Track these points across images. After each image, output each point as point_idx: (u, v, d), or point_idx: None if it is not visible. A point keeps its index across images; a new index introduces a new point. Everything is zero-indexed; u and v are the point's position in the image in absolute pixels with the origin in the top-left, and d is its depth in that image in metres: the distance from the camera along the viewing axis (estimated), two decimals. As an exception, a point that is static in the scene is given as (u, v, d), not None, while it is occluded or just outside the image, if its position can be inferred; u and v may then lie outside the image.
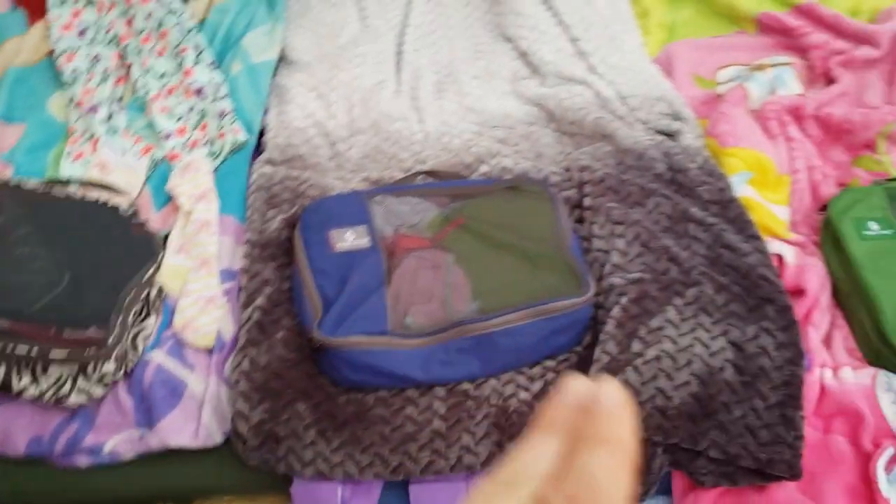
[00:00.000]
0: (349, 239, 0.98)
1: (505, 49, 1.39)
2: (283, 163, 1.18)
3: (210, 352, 0.98)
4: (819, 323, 0.98)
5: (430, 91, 1.32)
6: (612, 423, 0.31)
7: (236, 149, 1.21)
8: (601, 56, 1.31)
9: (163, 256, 1.05)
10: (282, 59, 1.38)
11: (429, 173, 1.14)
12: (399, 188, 1.08)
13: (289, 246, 1.04)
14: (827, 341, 0.99)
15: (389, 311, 0.92)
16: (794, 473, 0.85)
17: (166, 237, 1.09)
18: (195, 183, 1.14)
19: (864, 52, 1.28)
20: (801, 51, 1.33)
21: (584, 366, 0.95)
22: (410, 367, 0.90)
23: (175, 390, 0.94)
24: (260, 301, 0.98)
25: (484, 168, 1.17)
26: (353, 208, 1.02)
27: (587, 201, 1.09)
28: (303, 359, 0.93)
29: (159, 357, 0.96)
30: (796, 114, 1.20)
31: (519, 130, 1.25)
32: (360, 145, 1.24)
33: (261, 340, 0.94)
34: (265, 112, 1.28)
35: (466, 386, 0.93)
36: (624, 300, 0.95)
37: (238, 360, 0.93)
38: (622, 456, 0.31)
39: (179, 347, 0.98)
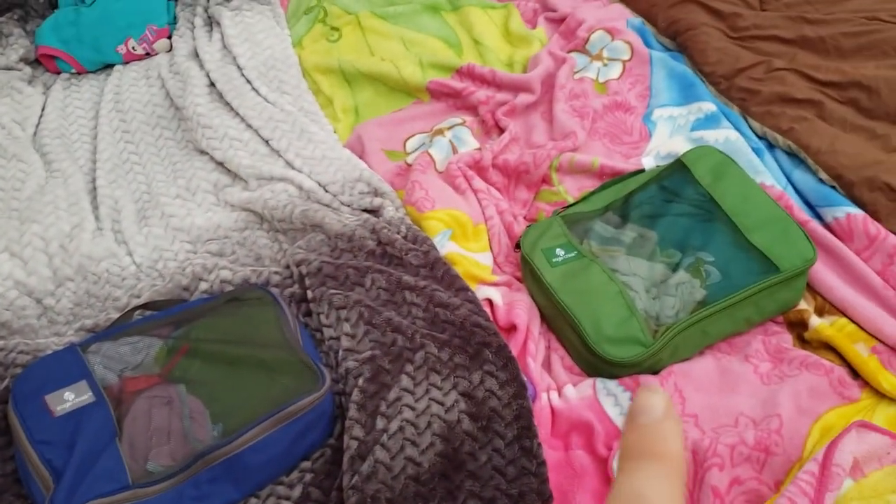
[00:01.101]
0: (69, 399, 0.95)
1: (201, 162, 1.40)
2: (-14, 335, 1.12)
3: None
4: (535, 352, 1.08)
5: (133, 221, 1.31)
6: (656, 436, 0.30)
7: (-70, 333, 1.12)
8: (295, 151, 1.37)
9: None
10: (-34, 224, 1.31)
11: (145, 306, 1.12)
12: (115, 330, 1.06)
13: (6, 425, 0.98)
14: (546, 365, 1.09)
15: (127, 462, 0.90)
16: (544, 499, 0.93)
17: None
18: None
19: (523, 98, 1.44)
20: (471, 108, 1.46)
21: (339, 457, 0.97)
22: (162, 513, 0.88)
23: None
24: (-16, 492, 0.91)
25: (203, 285, 1.18)
26: (67, 365, 0.99)
27: (310, 293, 1.13)
28: (45, 540, 0.88)
29: None
30: (478, 166, 1.31)
31: (233, 239, 1.27)
32: (69, 294, 1.20)
33: (-6, 534, 0.88)
34: (-43, 285, 1.21)
35: (227, 512, 0.92)
36: (361, 381, 0.99)
37: (-28, 564, 0.86)
38: (668, 470, 0.30)
39: None
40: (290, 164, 1.36)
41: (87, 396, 0.95)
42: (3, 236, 1.26)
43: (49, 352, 1.07)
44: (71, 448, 0.89)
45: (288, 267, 1.20)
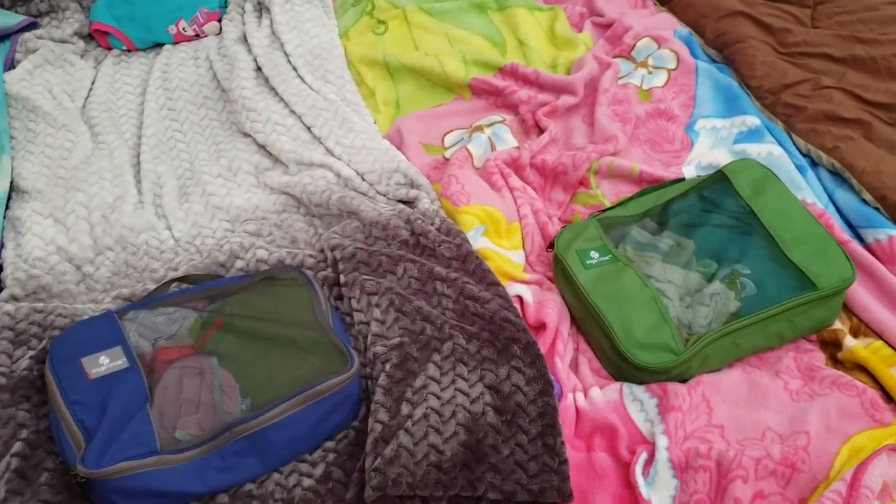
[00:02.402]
0: (104, 363, 0.96)
1: (244, 144, 1.42)
2: (26, 297, 1.14)
3: (-30, 513, 0.92)
4: (563, 351, 1.08)
5: (174, 196, 1.33)
6: None
7: (-28, 291, 1.15)
8: (336, 139, 1.38)
9: None
10: (13, 190, 1.33)
11: (182, 279, 1.14)
12: (152, 300, 1.08)
13: (42, 384, 1.00)
14: (574, 366, 1.09)
15: (157, 429, 0.91)
16: (564, 497, 0.93)
17: None
18: (-71, 336, 1.07)
19: (565, 100, 1.44)
20: (512, 107, 1.46)
21: (362, 439, 0.98)
22: (187, 481, 0.90)
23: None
24: (17, 447, 0.93)
25: (239, 263, 1.19)
26: (104, 331, 1.00)
27: (342, 277, 1.14)
28: (72, 498, 0.90)
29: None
30: (515, 165, 1.32)
31: (270, 220, 1.29)
32: (108, 263, 1.22)
33: (23, 489, 0.90)
34: (1, 247, 1.23)
35: (249, 486, 0.94)
36: (388, 367, 1.00)
37: (0, 516, 0.88)
38: None
39: (-65, 515, 0.91)
40: (330, 152, 1.37)
41: (121, 362, 0.97)
42: (48, 203, 1.29)
43: (86, 317, 1.09)
44: (103, 410, 0.91)
45: (322, 251, 1.21)
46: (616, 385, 1.06)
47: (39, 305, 1.11)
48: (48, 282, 1.16)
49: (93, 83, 1.56)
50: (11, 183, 1.34)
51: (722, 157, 1.32)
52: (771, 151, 1.32)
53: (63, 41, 1.61)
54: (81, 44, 1.64)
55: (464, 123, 1.44)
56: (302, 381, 0.96)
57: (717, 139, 1.39)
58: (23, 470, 0.92)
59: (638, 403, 1.03)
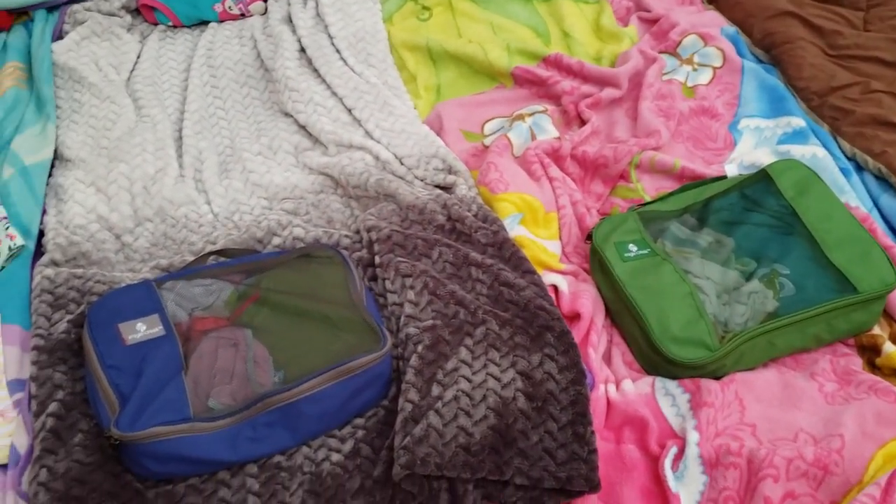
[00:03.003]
0: (141, 330, 0.97)
1: (285, 124, 1.43)
2: (66, 262, 1.15)
3: (5, 467, 0.94)
4: (597, 342, 1.07)
5: (214, 172, 1.34)
6: None
7: (14, 255, 1.16)
8: (375, 122, 1.38)
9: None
10: (57, 158, 1.35)
11: (219, 252, 1.15)
12: (190, 271, 1.09)
13: (79, 347, 1.01)
14: (607, 358, 1.09)
15: (190, 397, 0.92)
16: (592, 486, 0.93)
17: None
18: (-29, 295, 1.09)
19: (609, 92, 1.43)
20: (554, 98, 1.46)
21: (391, 418, 0.98)
22: (218, 449, 0.91)
23: (-32, 517, 0.89)
24: (53, 407, 0.94)
25: (276, 240, 1.20)
26: (142, 298, 1.02)
27: (377, 259, 1.14)
28: (105, 460, 0.91)
29: (-52, 485, 0.91)
30: (555, 155, 1.31)
31: (308, 200, 1.29)
32: (146, 234, 1.23)
33: (58, 448, 0.91)
34: (43, 213, 1.25)
35: (278, 458, 0.94)
36: (420, 348, 1.00)
37: (35, 472, 0.89)
38: None
39: (-29, 469, 0.93)
40: (369, 134, 1.38)
41: (157, 329, 0.98)
42: (91, 172, 1.31)
43: (124, 284, 1.11)
44: (138, 376, 0.92)
45: (358, 232, 1.22)
46: (648, 379, 1.05)
47: (79, 271, 1.12)
48: (88, 249, 1.18)
49: (138, 57, 1.57)
50: (55, 151, 1.35)
51: (765, 157, 1.31)
52: (815, 153, 1.30)
53: (111, 14, 1.63)
54: (129, 18, 1.65)
55: (505, 112, 1.43)
56: (335, 357, 0.96)
57: (760, 139, 1.37)
58: (58, 430, 0.93)
59: (670, 398, 1.02)
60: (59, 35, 1.59)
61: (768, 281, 1.10)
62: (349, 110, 1.42)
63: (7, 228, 1.17)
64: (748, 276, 1.11)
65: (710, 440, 0.96)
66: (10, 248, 1.15)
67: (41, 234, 1.22)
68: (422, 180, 1.29)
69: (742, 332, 1.03)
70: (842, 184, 1.26)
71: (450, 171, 1.30)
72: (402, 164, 1.32)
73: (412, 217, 1.21)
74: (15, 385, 1.01)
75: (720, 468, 0.94)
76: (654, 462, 0.98)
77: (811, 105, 1.41)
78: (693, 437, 0.96)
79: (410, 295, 1.07)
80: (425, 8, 1.65)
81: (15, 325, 1.07)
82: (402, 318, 1.05)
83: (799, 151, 1.31)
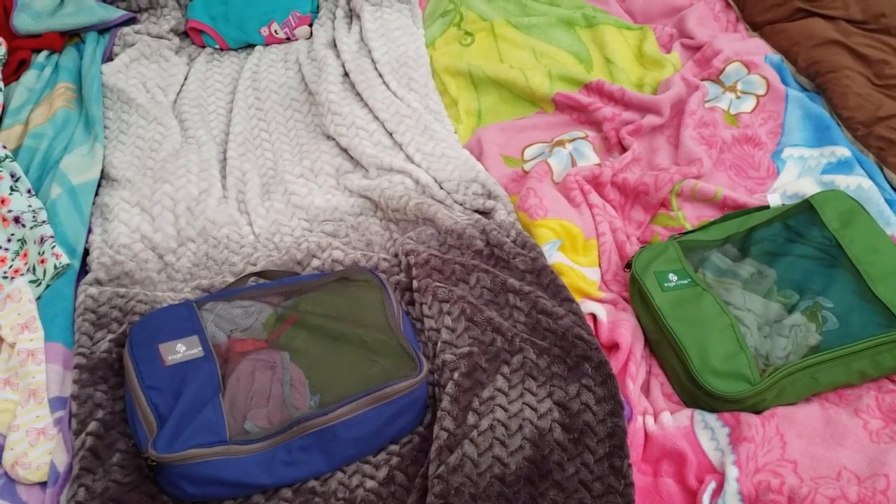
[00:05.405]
0: (180, 351, 0.99)
1: (327, 147, 1.44)
2: (109, 282, 1.17)
3: (44, 485, 0.95)
4: (636, 373, 1.06)
5: (256, 193, 1.35)
6: None
7: (59, 273, 1.19)
8: (416, 146, 1.39)
9: (-14, 394, 1.01)
10: (103, 178, 1.38)
11: (260, 274, 1.16)
12: (230, 293, 1.10)
13: (120, 366, 1.03)
14: (645, 389, 1.07)
15: (227, 419, 0.93)
16: (628, 520, 0.91)
17: (-10, 373, 1.06)
18: (18, 313, 1.12)
19: (650, 119, 1.42)
20: (595, 124, 1.45)
21: (426, 445, 0.98)
22: (253, 472, 0.91)
23: (9, 532, 0.90)
24: (92, 426, 0.96)
25: (316, 262, 1.21)
26: (182, 319, 1.03)
27: (415, 283, 1.14)
28: (142, 480, 0.92)
29: (-11, 500, 0.93)
30: (596, 182, 1.31)
31: (348, 222, 1.30)
32: (189, 254, 1.25)
33: (96, 467, 0.92)
34: (89, 232, 1.28)
35: (313, 483, 0.94)
36: (456, 375, 1.00)
37: (73, 491, 0.90)
38: None
39: (11, 485, 0.95)
40: (409, 158, 1.39)
41: (197, 350, 0.99)
42: (136, 192, 1.33)
43: (165, 304, 1.12)
44: (177, 397, 0.93)
45: (397, 255, 1.22)
46: (687, 411, 1.03)
47: (122, 290, 1.14)
48: (131, 268, 1.19)
49: (185, 79, 1.60)
50: (102, 171, 1.38)
51: (809, 187, 1.29)
52: (861, 184, 1.28)
53: (160, 37, 1.66)
54: (177, 40, 1.69)
55: (545, 137, 1.43)
56: (371, 382, 0.96)
57: (804, 168, 1.35)
58: (96, 449, 0.94)
59: (709, 431, 1.01)
60: (109, 57, 1.63)
61: (811, 314, 1.08)
62: (390, 134, 1.43)
63: (53, 247, 1.19)
64: (790, 309, 1.09)
65: (749, 476, 0.94)
66: (55, 267, 1.18)
67: (86, 252, 1.25)
68: (461, 205, 1.29)
69: (784, 366, 1.02)
70: (888, 216, 1.23)
71: (489, 196, 1.30)
72: (441, 188, 1.32)
73: (451, 242, 1.21)
74: (56, 403, 1.02)
75: (760, 505, 0.92)
76: (692, 497, 0.96)
77: (857, 135, 1.39)
78: (732, 472, 0.95)
79: (447, 321, 1.07)
80: (468, 33, 1.66)
81: (58, 343, 1.09)
82: (439, 344, 1.05)
83: (844, 182, 1.29)
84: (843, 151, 1.35)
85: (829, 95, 1.46)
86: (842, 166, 1.33)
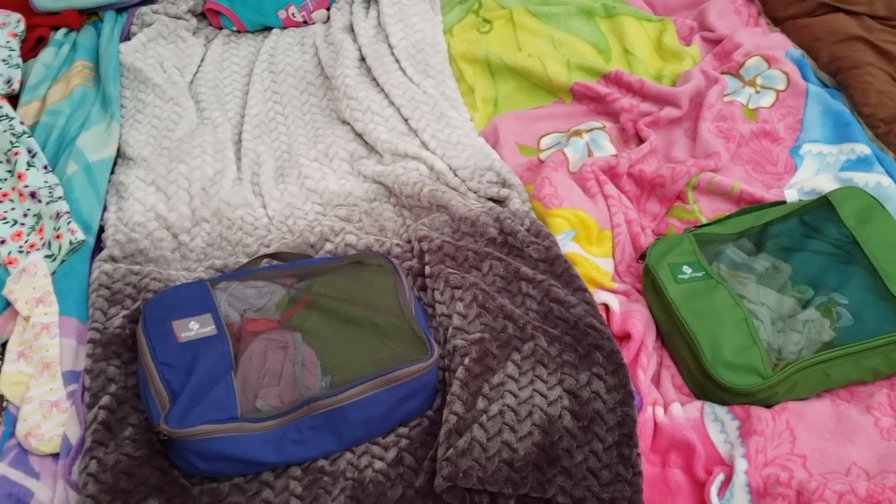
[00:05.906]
0: (193, 328, 0.99)
1: (342, 132, 1.44)
2: (124, 259, 1.18)
3: (57, 457, 0.96)
4: (647, 364, 1.06)
5: (271, 176, 1.36)
6: None
7: (74, 249, 1.19)
8: (431, 133, 1.39)
9: (1, 365, 1.02)
10: (119, 156, 1.38)
11: (273, 256, 1.16)
12: (243, 273, 1.10)
13: (133, 342, 1.03)
14: (656, 380, 1.07)
15: (238, 397, 0.93)
16: (635, 509, 0.91)
17: (4, 345, 1.07)
18: (33, 286, 1.12)
19: (668, 112, 1.41)
20: (613, 115, 1.45)
21: (435, 429, 0.98)
22: (263, 450, 0.91)
23: (20, 501, 0.91)
24: (105, 400, 0.96)
25: (328, 246, 1.21)
26: (196, 297, 1.03)
27: (428, 269, 1.14)
28: (153, 454, 0.92)
29: (2, 469, 0.94)
30: (612, 173, 1.30)
31: (361, 207, 1.30)
32: (203, 235, 1.25)
33: (108, 440, 0.93)
34: (104, 210, 1.28)
35: (322, 462, 0.95)
36: (467, 360, 1.00)
37: (85, 463, 0.91)
38: None
39: (24, 456, 0.96)
40: (424, 145, 1.38)
41: (210, 328, 0.99)
42: (151, 171, 1.33)
43: (179, 283, 1.13)
44: (189, 373, 0.94)
45: (410, 241, 1.22)
46: (697, 403, 1.03)
47: (136, 268, 1.14)
48: (146, 246, 1.20)
49: (202, 60, 1.61)
50: (118, 149, 1.38)
51: (827, 184, 1.28)
52: (880, 182, 1.27)
53: (177, 17, 1.66)
54: (194, 21, 1.69)
55: (562, 127, 1.43)
56: (381, 365, 0.96)
57: (822, 165, 1.34)
58: (108, 422, 0.95)
59: (719, 424, 1.01)
60: (126, 36, 1.63)
61: (825, 310, 1.07)
62: (406, 120, 1.43)
63: (69, 223, 1.20)
64: (804, 304, 1.08)
65: (758, 469, 0.94)
66: (70, 243, 1.18)
67: (101, 229, 1.25)
68: (475, 192, 1.29)
69: (796, 360, 1.01)
70: (906, 214, 1.23)
71: (504, 184, 1.29)
72: (456, 175, 1.32)
73: (464, 229, 1.21)
74: (69, 376, 1.03)
75: (768, 498, 0.92)
76: (700, 488, 0.96)
77: (877, 132, 1.38)
78: (741, 464, 0.94)
79: (459, 307, 1.07)
80: (486, 21, 1.65)
81: (72, 318, 1.09)
82: (450, 330, 1.05)
83: (862, 179, 1.28)
84: (863, 149, 1.34)
85: (851, 92, 1.45)
86: (861, 163, 1.32)
